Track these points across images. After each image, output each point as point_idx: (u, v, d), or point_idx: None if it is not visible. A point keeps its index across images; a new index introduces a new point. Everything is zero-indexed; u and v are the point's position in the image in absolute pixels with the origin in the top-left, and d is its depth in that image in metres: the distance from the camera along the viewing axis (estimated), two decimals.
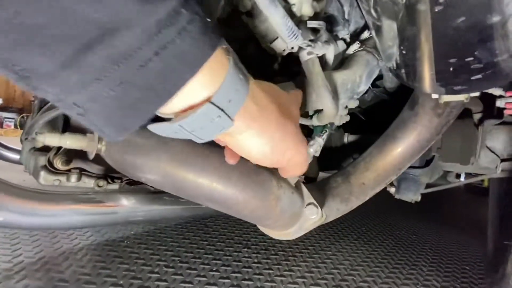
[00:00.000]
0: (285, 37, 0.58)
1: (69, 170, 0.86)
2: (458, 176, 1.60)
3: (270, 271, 1.16)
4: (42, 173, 0.82)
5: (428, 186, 1.44)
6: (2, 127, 7.03)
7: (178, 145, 0.57)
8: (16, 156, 1.67)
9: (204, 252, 1.26)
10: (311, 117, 0.81)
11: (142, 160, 0.59)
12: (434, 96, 0.75)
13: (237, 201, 0.57)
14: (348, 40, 0.82)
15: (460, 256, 1.58)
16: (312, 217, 0.73)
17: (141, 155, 0.59)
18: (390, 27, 0.52)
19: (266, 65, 0.71)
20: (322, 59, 0.70)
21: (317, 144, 0.68)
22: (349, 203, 1.00)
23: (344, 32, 0.80)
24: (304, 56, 0.63)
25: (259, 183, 0.58)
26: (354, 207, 1.03)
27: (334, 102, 0.65)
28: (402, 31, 0.51)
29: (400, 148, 0.99)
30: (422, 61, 0.57)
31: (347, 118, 1.10)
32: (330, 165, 1.53)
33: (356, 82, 0.71)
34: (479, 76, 0.48)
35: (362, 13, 0.80)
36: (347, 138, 1.51)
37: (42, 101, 1.09)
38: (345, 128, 1.46)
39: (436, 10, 0.44)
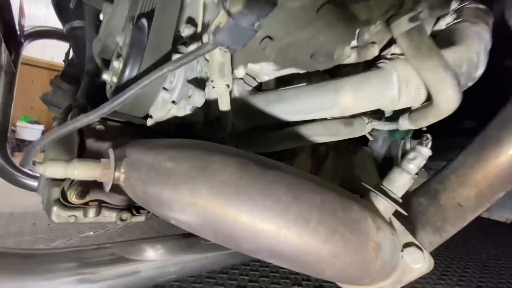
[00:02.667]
0: None
1: (86, 203, 0.71)
2: None
3: (277, 286, 0.90)
4: (55, 209, 0.67)
5: None
6: None
7: (224, 171, 0.38)
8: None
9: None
10: (388, 119, 0.58)
11: (171, 194, 0.40)
12: None
13: (319, 257, 0.35)
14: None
15: None
16: (416, 266, 0.49)
17: (170, 186, 0.41)
18: None
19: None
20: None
21: (420, 157, 0.46)
22: (444, 233, 0.74)
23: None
24: (403, 24, 0.42)
25: (351, 225, 0.37)
26: (449, 236, 0.76)
27: (459, 89, 0.42)
28: None
29: (509, 153, 0.72)
30: None
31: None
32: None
33: (473, 62, 0.48)
34: None
35: None
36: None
37: (61, 122, 0.97)
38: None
39: None
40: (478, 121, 0.86)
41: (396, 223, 0.52)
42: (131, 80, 0.52)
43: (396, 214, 0.71)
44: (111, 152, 0.54)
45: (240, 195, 0.35)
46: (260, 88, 0.73)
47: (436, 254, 0.57)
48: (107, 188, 0.53)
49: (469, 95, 0.84)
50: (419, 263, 0.49)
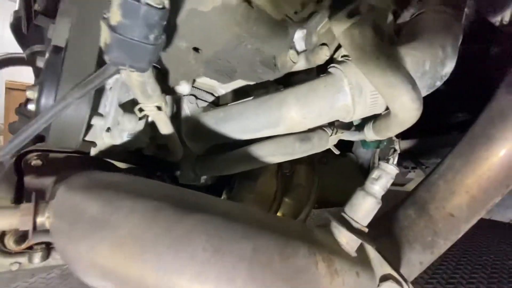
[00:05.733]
0: None
1: (30, 247, 0.63)
2: None
3: None
4: None
5: None
6: None
7: (128, 222, 0.30)
8: None
9: None
10: (358, 127, 0.51)
11: (71, 249, 0.32)
12: None
13: None
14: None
15: None
16: None
17: (71, 242, 0.33)
18: None
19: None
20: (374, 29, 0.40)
21: (387, 176, 0.38)
22: (435, 249, 0.65)
23: None
24: (341, 21, 0.34)
25: (294, 276, 0.29)
26: (442, 252, 0.68)
27: (416, 95, 0.35)
28: None
29: (503, 151, 0.64)
30: None
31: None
32: None
33: (438, 57, 0.40)
34: None
35: None
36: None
37: None
38: None
39: None
40: (472, 115, 0.78)
41: (372, 252, 0.44)
42: (49, 108, 0.45)
43: (377, 232, 0.63)
44: (33, 195, 0.46)
45: (145, 252, 0.28)
46: (217, 102, 0.66)
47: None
48: (30, 238, 0.46)
49: (460, 87, 0.76)
50: None
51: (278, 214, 0.63)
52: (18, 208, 0.45)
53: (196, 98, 0.61)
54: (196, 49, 0.41)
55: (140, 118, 0.48)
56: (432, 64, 0.40)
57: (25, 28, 0.90)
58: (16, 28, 1.13)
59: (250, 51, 0.40)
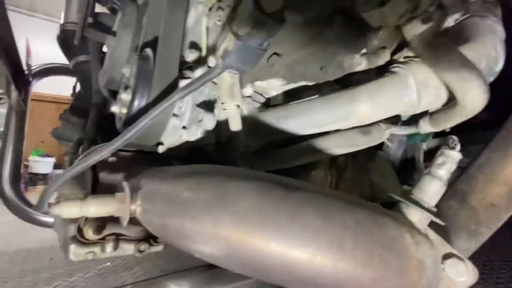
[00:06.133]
0: None
1: (103, 238, 0.69)
2: None
3: None
4: (72, 247, 0.66)
5: None
6: None
7: (245, 198, 0.36)
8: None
9: None
10: (408, 122, 0.56)
11: (192, 227, 0.38)
12: None
13: (359, 283, 0.32)
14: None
15: None
16: (461, 279, 0.45)
17: (190, 218, 0.39)
18: None
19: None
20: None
21: (450, 161, 0.43)
22: (479, 237, 0.68)
23: None
24: (416, 26, 0.40)
25: (390, 244, 0.34)
26: (485, 239, 0.71)
27: (486, 86, 0.40)
28: None
29: None
30: None
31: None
32: (407, 180, 1.22)
33: (492, 56, 0.46)
34: None
35: None
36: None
37: (73, 156, 0.98)
38: None
39: None
40: (494, 114, 0.82)
41: (432, 234, 0.49)
42: (141, 111, 0.51)
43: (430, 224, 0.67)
44: (125, 185, 0.52)
45: (265, 222, 0.33)
46: (268, 103, 0.71)
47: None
48: (124, 223, 0.51)
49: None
50: (463, 275, 0.45)
51: None
52: (114, 196, 0.51)
53: (253, 99, 0.67)
54: (277, 54, 0.48)
55: (216, 117, 0.54)
56: (487, 62, 0.45)
57: (78, 39, 0.98)
58: (62, 39, 1.22)
59: (330, 54, 0.46)
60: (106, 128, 0.85)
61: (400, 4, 0.41)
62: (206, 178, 0.41)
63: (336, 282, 0.33)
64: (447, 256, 0.47)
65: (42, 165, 5.65)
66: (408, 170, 1.18)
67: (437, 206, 0.77)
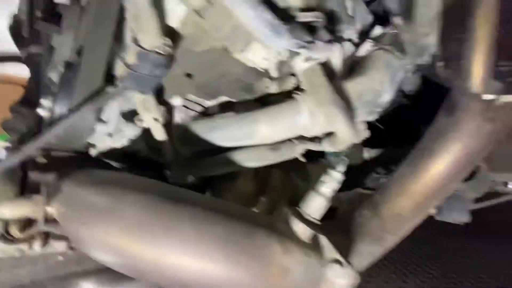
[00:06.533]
0: (263, 37, 0.42)
1: (31, 236, 0.71)
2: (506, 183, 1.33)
3: None
4: None
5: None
6: None
7: (132, 209, 0.40)
8: None
9: None
10: (319, 140, 0.62)
11: (84, 232, 0.42)
12: (487, 97, 0.55)
13: (218, 283, 0.38)
14: (355, 40, 0.64)
15: None
16: (338, 280, 0.52)
17: (86, 224, 0.43)
18: (428, 7, 0.35)
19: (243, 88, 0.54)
20: (325, 67, 0.53)
21: (333, 181, 0.50)
22: (384, 243, 0.77)
23: (350, 32, 0.62)
24: (300, 64, 0.46)
25: (253, 252, 0.40)
26: (391, 245, 0.80)
27: (349, 122, 0.47)
28: (446, 12, 0.34)
29: (442, 165, 0.77)
30: (475, 49, 0.39)
31: (367, 134, 0.90)
32: (350, 185, 1.31)
33: (377, 91, 0.53)
34: None
35: (367, 7, 0.63)
36: (367, 153, 1.28)
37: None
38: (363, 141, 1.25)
39: None
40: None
41: (324, 241, 0.55)
42: (63, 116, 0.54)
43: (334, 228, 0.74)
44: (43, 188, 0.55)
45: (144, 235, 0.38)
46: (205, 112, 0.76)
47: None
48: (41, 225, 0.54)
49: (424, 103, 0.90)
50: (342, 278, 0.52)
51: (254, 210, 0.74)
52: (30, 198, 0.53)
53: (187, 108, 0.71)
54: (189, 75, 0.52)
55: (138, 127, 0.57)
56: (372, 96, 0.52)
57: (27, 32, 0.97)
58: (14, 30, 1.18)
59: (235, 77, 0.51)
60: None
61: (260, 51, 0.46)
62: (108, 186, 0.45)
63: (204, 283, 0.38)
64: (332, 261, 0.54)
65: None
66: (360, 175, 1.27)
67: (353, 214, 0.85)
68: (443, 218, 1.14)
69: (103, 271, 0.63)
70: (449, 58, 0.43)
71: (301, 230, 0.48)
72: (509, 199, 1.18)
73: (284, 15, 0.42)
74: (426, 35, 0.40)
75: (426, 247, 1.60)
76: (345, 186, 1.33)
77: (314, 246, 0.51)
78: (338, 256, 0.54)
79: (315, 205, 0.49)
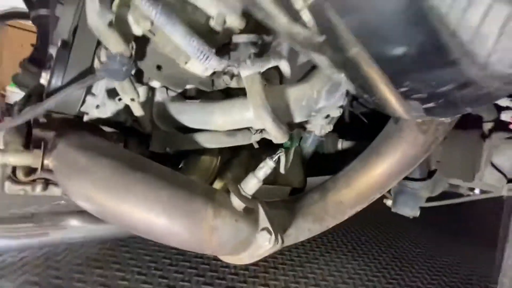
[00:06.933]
0: (196, 59, 0.52)
1: (34, 180, 0.87)
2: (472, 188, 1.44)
3: (244, 285, 1.12)
4: (7, 184, 0.83)
5: (430, 199, 1.30)
6: None
7: (102, 170, 0.53)
8: None
9: (181, 259, 1.24)
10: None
11: (68, 183, 0.56)
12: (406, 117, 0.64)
13: (161, 232, 0.52)
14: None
15: (467, 275, 1.44)
16: (265, 244, 0.67)
17: (70, 177, 0.57)
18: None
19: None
20: (278, 70, 0.62)
21: (267, 167, 0.62)
22: (324, 223, 0.92)
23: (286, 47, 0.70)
24: (242, 71, 0.56)
25: (188, 213, 0.54)
26: (330, 226, 0.94)
27: (276, 123, 0.58)
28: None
29: (385, 165, 0.89)
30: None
31: (330, 128, 1.00)
32: (323, 171, 1.44)
33: (313, 98, 0.63)
34: (432, 104, 0.39)
35: None
36: (341, 144, 1.39)
37: (22, 108, 1.10)
38: (341, 133, 1.35)
39: None
40: None
41: (262, 213, 0.69)
42: (56, 89, 0.66)
43: (283, 205, 0.88)
44: (42, 145, 0.69)
45: (110, 190, 0.51)
46: (185, 94, 0.86)
47: None
48: (38, 172, 0.69)
49: None
50: (267, 243, 0.66)
51: (216, 184, 0.88)
52: (31, 152, 0.67)
53: (167, 89, 0.82)
54: (159, 67, 0.62)
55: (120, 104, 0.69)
56: (307, 101, 0.62)
57: None
58: None
59: (194, 76, 0.61)
60: None
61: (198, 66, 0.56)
62: (90, 150, 0.58)
63: (148, 229, 0.52)
64: (263, 229, 0.68)
65: (19, 96, 5.51)
66: (324, 162, 1.39)
67: (303, 195, 0.98)
68: (398, 210, 1.28)
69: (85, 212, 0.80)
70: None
71: (235, 201, 0.61)
72: (459, 201, 1.29)
73: (227, 37, 0.52)
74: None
75: (381, 235, 1.76)
76: (318, 171, 1.47)
77: (246, 215, 0.64)
78: (268, 225, 0.68)
79: (250, 184, 0.61)
